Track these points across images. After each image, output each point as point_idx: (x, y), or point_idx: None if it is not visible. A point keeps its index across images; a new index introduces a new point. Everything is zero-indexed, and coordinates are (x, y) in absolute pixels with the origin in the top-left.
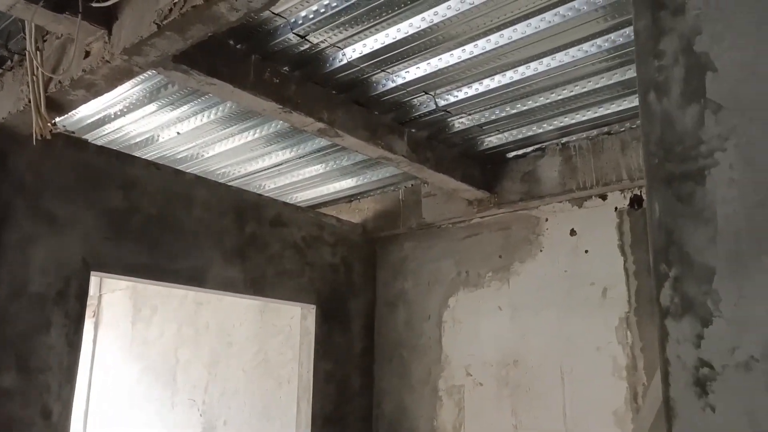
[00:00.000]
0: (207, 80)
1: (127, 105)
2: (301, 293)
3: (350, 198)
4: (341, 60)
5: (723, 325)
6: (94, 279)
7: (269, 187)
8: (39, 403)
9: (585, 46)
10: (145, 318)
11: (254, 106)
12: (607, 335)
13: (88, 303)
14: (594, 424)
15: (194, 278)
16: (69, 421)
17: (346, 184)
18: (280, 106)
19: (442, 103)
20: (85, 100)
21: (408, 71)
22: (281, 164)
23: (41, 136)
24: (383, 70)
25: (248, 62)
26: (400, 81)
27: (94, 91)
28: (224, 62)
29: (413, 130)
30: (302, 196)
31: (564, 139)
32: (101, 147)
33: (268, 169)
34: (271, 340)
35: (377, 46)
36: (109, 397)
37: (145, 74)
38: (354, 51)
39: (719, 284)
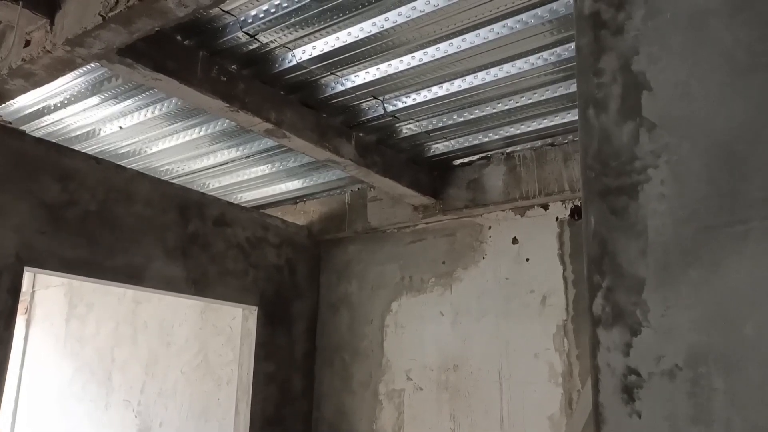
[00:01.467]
0: (152, 75)
1: (68, 97)
2: (243, 294)
3: (296, 200)
4: (291, 61)
5: (650, 335)
6: (28, 274)
7: (213, 186)
8: None
9: (531, 59)
10: (81, 315)
11: (200, 104)
12: (545, 342)
13: (21, 299)
14: (531, 428)
15: (133, 276)
16: None
17: (292, 185)
18: (227, 105)
19: (390, 108)
20: (24, 91)
21: (357, 75)
22: (226, 163)
23: None
24: (333, 73)
25: (196, 59)
26: (349, 84)
27: (33, 81)
28: (171, 57)
29: (361, 134)
30: (247, 197)
31: (509, 149)
32: (39, 138)
33: (213, 167)
34: (211, 340)
35: (327, 48)
36: (39, 398)
37: (87, 66)
38: (304, 53)
39: (648, 295)
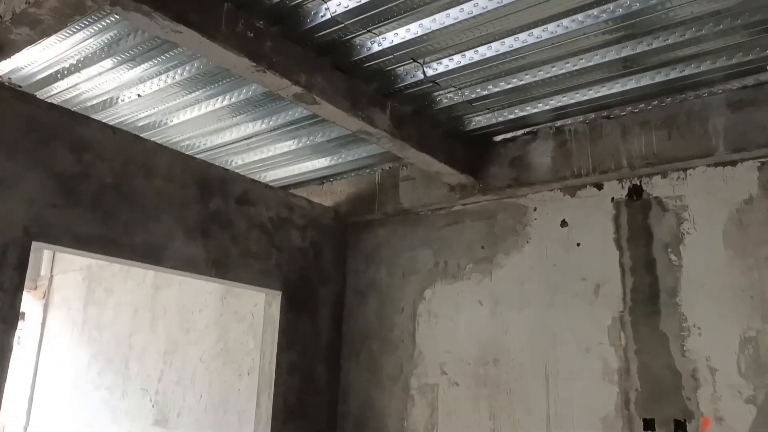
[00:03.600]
0: (172, 26)
1: (81, 59)
2: (266, 277)
3: (322, 180)
4: (323, 15)
5: None
6: (46, 257)
7: (236, 163)
8: None
9: (579, 17)
10: (99, 301)
11: (224, 62)
12: (599, 335)
13: (38, 284)
14: (581, 430)
15: (151, 254)
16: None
17: (319, 163)
18: (254, 64)
19: (430, 72)
20: (30, 41)
21: (396, 33)
22: (250, 137)
23: None
24: (369, 30)
25: (220, 10)
26: (386, 44)
27: (40, 29)
28: (193, 8)
29: (397, 104)
30: (271, 176)
31: (558, 122)
32: (52, 104)
33: (236, 142)
34: (232, 328)
35: None
36: (56, 384)
37: (101, 23)
38: (339, 4)
39: None
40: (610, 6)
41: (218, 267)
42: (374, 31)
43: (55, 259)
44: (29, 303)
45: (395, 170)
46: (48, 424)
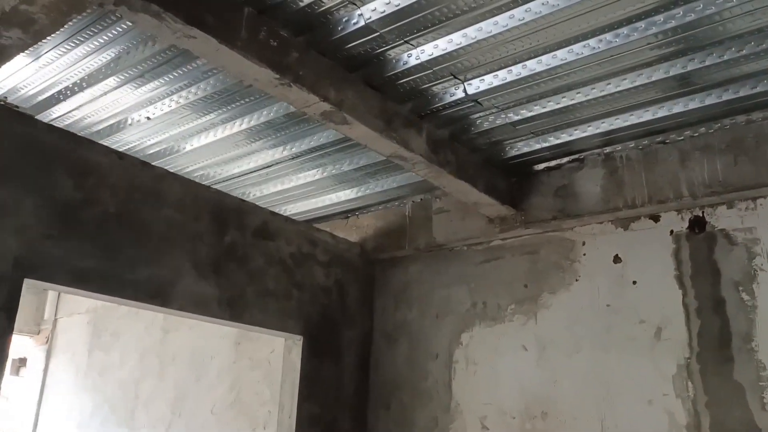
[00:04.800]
0: (185, 30)
1: (83, 78)
2: (286, 320)
3: (347, 213)
4: (356, 22)
5: None
6: (50, 300)
7: (254, 195)
8: None
9: (625, 30)
10: (105, 345)
11: (244, 74)
12: (662, 385)
13: (41, 328)
14: None
15: (157, 294)
16: None
17: (344, 195)
18: (277, 76)
19: (471, 90)
20: (23, 46)
21: (436, 44)
22: (270, 166)
23: None
24: (406, 40)
25: (240, 15)
26: (424, 57)
27: (33, 31)
28: (209, 10)
29: (433, 127)
30: (291, 209)
31: (607, 148)
32: (52, 125)
33: (254, 171)
34: (246, 376)
35: (403, 3)
36: None
37: (104, 36)
38: (374, 10)
39: None
40: (661, 18)
41: (232, 308)
42: (412, 41)
43: (60, 302)
44: (31, 348)
45: (427, 202)
46: None
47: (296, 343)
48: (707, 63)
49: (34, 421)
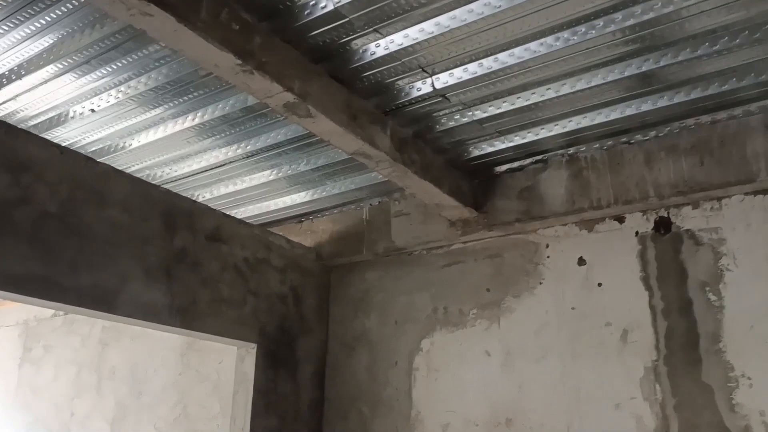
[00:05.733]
0: (142, 6)
1: (20, 64)
2: (240, 328)
3: (301, 217)
4: (324, 5)
5: None
6: None
7: (204, 197)
8: None
9: (583, 27)
10: (36, 359)
11: (203, 57)
12: (630, 389)
13: None
14: None
15: (102, 300)
16: None
17: (299, 198)
18: (239, 62)
19: (439, 85)
20: None
21: (406, 34)
22: (222, 165)
23: None
24: (375, 29)
25: None
26: (393, 47)
27: None
28: None
29: (398, 125)
30: (242, 213)
31: (572, 149)
32: None
33: (204, 171)
34: (193, 389)
35: None
36: None
37: (45, 17)
38: None
39: None
40: (619, 15)
41: (184, 315)
42: (381, 30)
43: None
44: None
45: (386, 205)
46: None
47: (249, 351)
48: (667, 62)
49: None
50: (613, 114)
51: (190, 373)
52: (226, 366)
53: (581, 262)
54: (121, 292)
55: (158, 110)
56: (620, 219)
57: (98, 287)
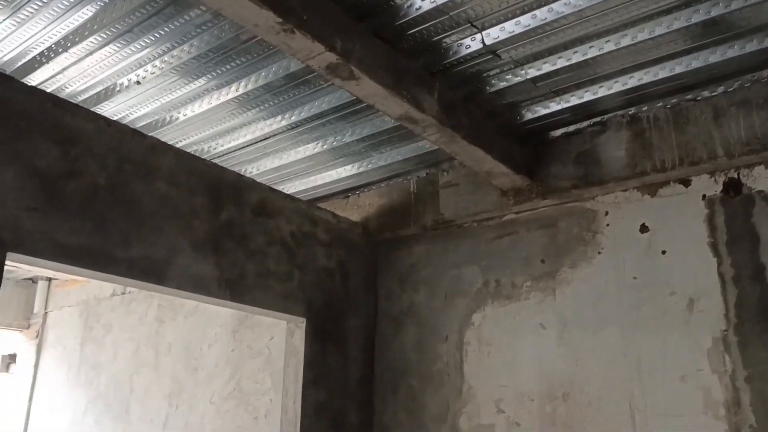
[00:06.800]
0: None
1: (64, 37)
2: (288, 302)
3: (347, 192)
4: None
5: None
6: (40, 293)
7: (250, 172)
8: None
9: None
10: (97, 338)
11: (243, 16)
12: (697, 360)
13: (31, 322)
14: None
15: (152, 272)
16: None
17: (345, 171)
18: (280, 21)
19: (489, 41)
20: None
21: None
22: (267, 138)
23: None
24: None
25: None
26: (440, 1)
27: None
28: None
29: (445, 87)
30: (288, 188)
31: (632, 110)
32: (32, 87)
33: (250, 145)
34: (245, 365)
35: None
36: None
37: None
38: None
39: None
40: None
41: (232, 288)
42: None
43: (50, 295)
44: (21, 343)
45: (433, 176)
46: None
47: (299, 326)
48: (738, 5)
49: (26, 419)
50: (678, 68)
51: (243, 349)
52: (276, 342)
53: (643, 229)
54: (170, 265)
55: (201, 81)
56: (686, 182)
57: (148, 259)
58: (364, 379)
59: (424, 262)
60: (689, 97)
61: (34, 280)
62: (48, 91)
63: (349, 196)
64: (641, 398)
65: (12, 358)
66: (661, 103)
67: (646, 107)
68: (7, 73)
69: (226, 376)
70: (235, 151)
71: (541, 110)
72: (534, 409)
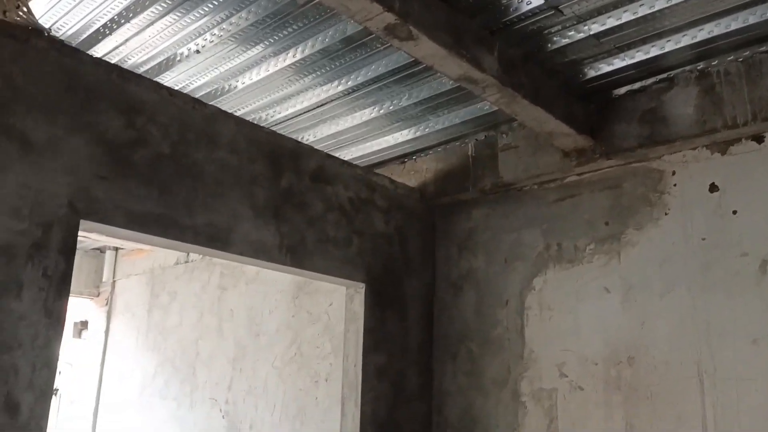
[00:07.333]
0: None
1: (124, 10)
2: (347, 268)
3: (404, 157)
4: None
5: None
6: (108, 262)
7: (307, 139)
8: (1, 392)
9: None
10: (163, 305)
11: None
12: None
13: (101, 290)
14: None
15: (216, 238)
16: (45, 418)
17: (401, 136)
18: None
19: None
20: None
21: None
22: (323, 104)
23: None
24: None
25: None
26: None
27: None
28: None
29: (505, 45)
30: (345, 155)
31: (701, 64)
32: (98, 59)
33: (307, 111)
34: (305, 330)
35: None
36: (121, 395)
37: None
38: None
39: None
40: None
41: (293, 254)
42: None
43: (117, 263)
44: (92, 310)
45: (492, 139)
46: None
47: (358, 291)
48: None
49: (98, 382)
50: (752, 18)
51: (303, 315)
52: (335, 308)
53: (713, 188)
54: (233, 231)
55: (259, 47)
56: (759, 138)
57: (212, 226)
58: (423, 344)
59: (483, 227)
60: (763, 49)
61: (101, 250)
62: (113, 62)
63: (405, 162)
64: (710, 362)
65: (84, 324)
66: (732, 57)
67: (716, 61)
68: (74, 44)
69: (287, 341)
70: (292, 118)
71: (605, 67)
72: (598, 373)
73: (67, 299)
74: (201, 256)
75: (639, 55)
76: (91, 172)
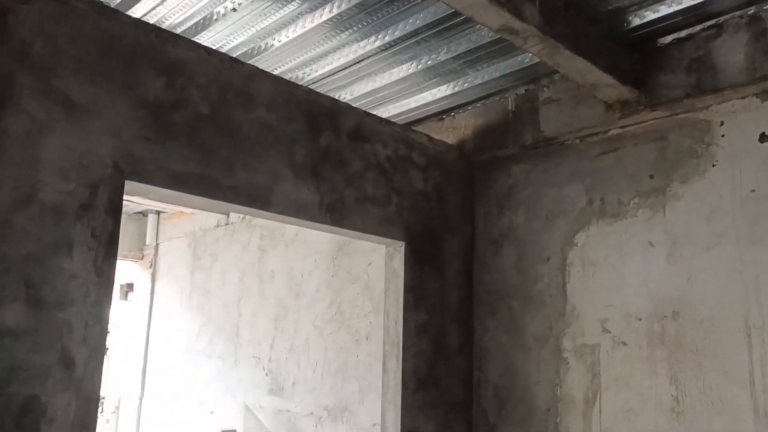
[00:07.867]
0: None
1: None
2: (387, 226)
3: (442, 114)
4: None
5: None
6: (151, 225)
7: (345, 98)
8: (56, 348)
9: None
10: (205, 267)
11: None
12: None
13: (145, 253)
14: None
15: (257, 198)
16: (99, 372)
17: (439, 92)
18: None
19: None
20: None
21: None
22: (360, 61)
23: None
24: None
25: None
26: None
27: None
28: None
29: None
30: (383, 113)
31: (752, 9)
32: (136, 19)
33: (344, 69)
34: (345, 290)
35: None
36: (167, 354)
37: None
38: None
39: None
40: None
41: (333, 213)
42: None
43: (160, 227)
44: (137, 273)
45: (533, 93)
46: (162, 395)
47: (398, 249)
48: None
49: (145, 343)
50: None
51: (342, 275)
52: (374, 267)
53: (763, 138)
54: (273, 191)
55: (295, 3)
56: None
57: (252, 185)
58: (463, 301)
59: (523, 183)
60: None
61: (144, 214)
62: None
63: (443, 118)
64: (758, 316)
65: (130, 287)
66: None
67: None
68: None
69: (328, 301)
70: (328, 76)
71: (650, 15)
72: (641, 329)
73: (116, 259)
74: (241, 218)
75: (686, 1)
76: (134, 133)
